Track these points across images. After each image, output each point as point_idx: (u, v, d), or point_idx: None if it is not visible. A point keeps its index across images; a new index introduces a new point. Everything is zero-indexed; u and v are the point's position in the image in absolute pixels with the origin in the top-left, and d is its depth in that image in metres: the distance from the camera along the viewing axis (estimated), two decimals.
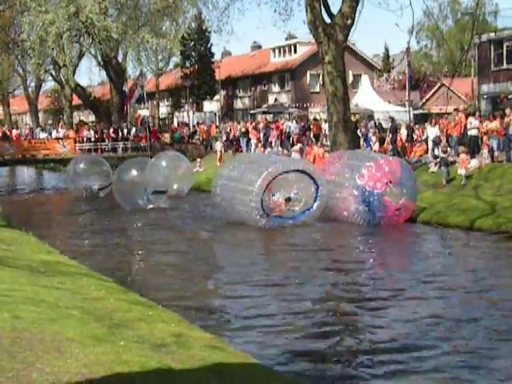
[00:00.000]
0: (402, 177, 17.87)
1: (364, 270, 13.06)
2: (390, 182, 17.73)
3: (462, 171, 20.16)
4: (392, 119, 27.47)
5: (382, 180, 17.68)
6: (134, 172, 23.04)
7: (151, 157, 29.89)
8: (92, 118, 56.69)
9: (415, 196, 18.41)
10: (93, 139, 35.94)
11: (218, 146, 33.01)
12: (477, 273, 12.39)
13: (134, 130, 36.71)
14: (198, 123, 43.31)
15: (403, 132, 25.79)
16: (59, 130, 38.73)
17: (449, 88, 39.16)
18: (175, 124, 48.40)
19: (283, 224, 18.05)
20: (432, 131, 24.35)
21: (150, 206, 22.69)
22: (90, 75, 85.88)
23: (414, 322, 9.31)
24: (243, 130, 34.99)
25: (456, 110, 26.96)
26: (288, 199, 18.39)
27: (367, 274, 12.64)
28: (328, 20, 23.97)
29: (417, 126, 27.08)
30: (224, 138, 35.75)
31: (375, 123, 30.16)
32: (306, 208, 18.46)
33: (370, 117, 32.91)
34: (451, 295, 10.72)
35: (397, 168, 17.99)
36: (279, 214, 18.32)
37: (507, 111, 21.75)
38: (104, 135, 36.15)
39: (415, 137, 25.99)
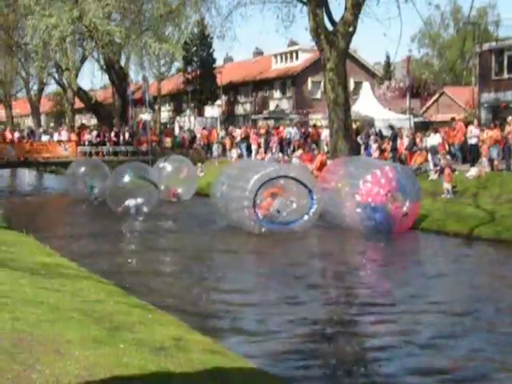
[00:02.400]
0: (399, 182, 17.80)
1: (363, 280, 13.07)
2: (389, 191, 17.69)
3: (447, 185, 20.18)
4: (391, 127, 27.46)
5: (381, 193, 17.57)
6: (127, 177, 23.06)
7: (152, 161, 29.99)
8: (94, 121, 56.72)
9: (418, 196, 18.30)
10: (94, 142, 35.97)
11: (234, 153, 33.23)
12: (478, 286, 12.25)
13: (127, 135, 36.67)
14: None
15: (404, 140, 25.77)
16: (62, 132, 38.61)
17: (441, 95, 39.24)
18: (177, 129, 48.43)
19: (277, 230, 17.88)
20: (433, 139, 24.34)
21: (131, 203, 22.65)
22: (93, 79, 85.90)
23: (410, 336, 9.19)
24: (243, 135, 35.12)
25: (453, 118, 26.98)
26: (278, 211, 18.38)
27: (366, 284, 12.64)
28: (330, 27, 24.04)
29: (417, 134, 27.05)
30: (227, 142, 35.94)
31: (375, 131, 30.18)
32: (301, 215, 18.36)
33: (371, 124, 32.87)
34: (447, 308, 10.60)
35: (393, 175, 17.89)
36: (269, 217, 18.24)
37: (509, 119, 21.79)
38: (105, 139, 36.18)
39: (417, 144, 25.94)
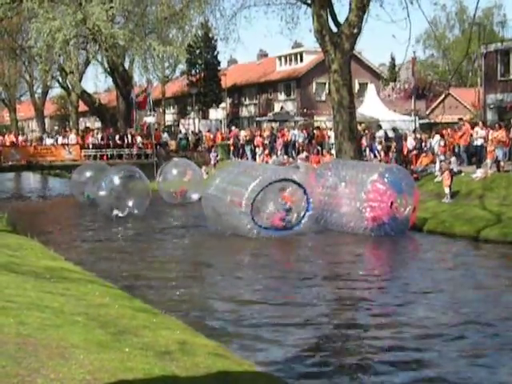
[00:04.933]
0: (394, 185, 17.59)
1: (369, 282, 12.97)
2: (392, 202, 17.45)
3: (446, 190, 20.08)
4: (394, 129, 27.39)
5: (383, 207, 17.41)
6: (117, 180, 23.02)
7: (157, 164, 29.99)
8: (98, 124, 56.86)
9: (412, 184, 18.34)
10: (98, 145, 35.96)
11: (258, 156, 33.22)
12: (485, 288, 12.08)
13: (139, 138, 36.62)
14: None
15: (409, 141, 25.71)
16: (69, 136, 38.55)
17: (446, 97, 39.14)
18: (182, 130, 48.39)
19: (275, 236, 17.60)
20: (434, 141, 24.33)
21: (116, 213, 22.57)
22: (97, 82, 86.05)
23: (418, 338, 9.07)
24: (248, 137, 35.07)
25: (460, 119, 26.92)
26: (289, 209, 18.18)
27: (371, 287, 12.54)
28: (335, 29, 23.97)
29: (423, 136, 27.00)
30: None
31: (382, 133, 30.05)
32: (298, 219, 18.14)
33: (379, 126, 32.77)
34: (452, 312, 10.51)
35: (385, 185, 17.57)
36: (274, 225, 17.90)
37: None
38: (110, 142, 36.15)
39: (423, 147, 25.86)
